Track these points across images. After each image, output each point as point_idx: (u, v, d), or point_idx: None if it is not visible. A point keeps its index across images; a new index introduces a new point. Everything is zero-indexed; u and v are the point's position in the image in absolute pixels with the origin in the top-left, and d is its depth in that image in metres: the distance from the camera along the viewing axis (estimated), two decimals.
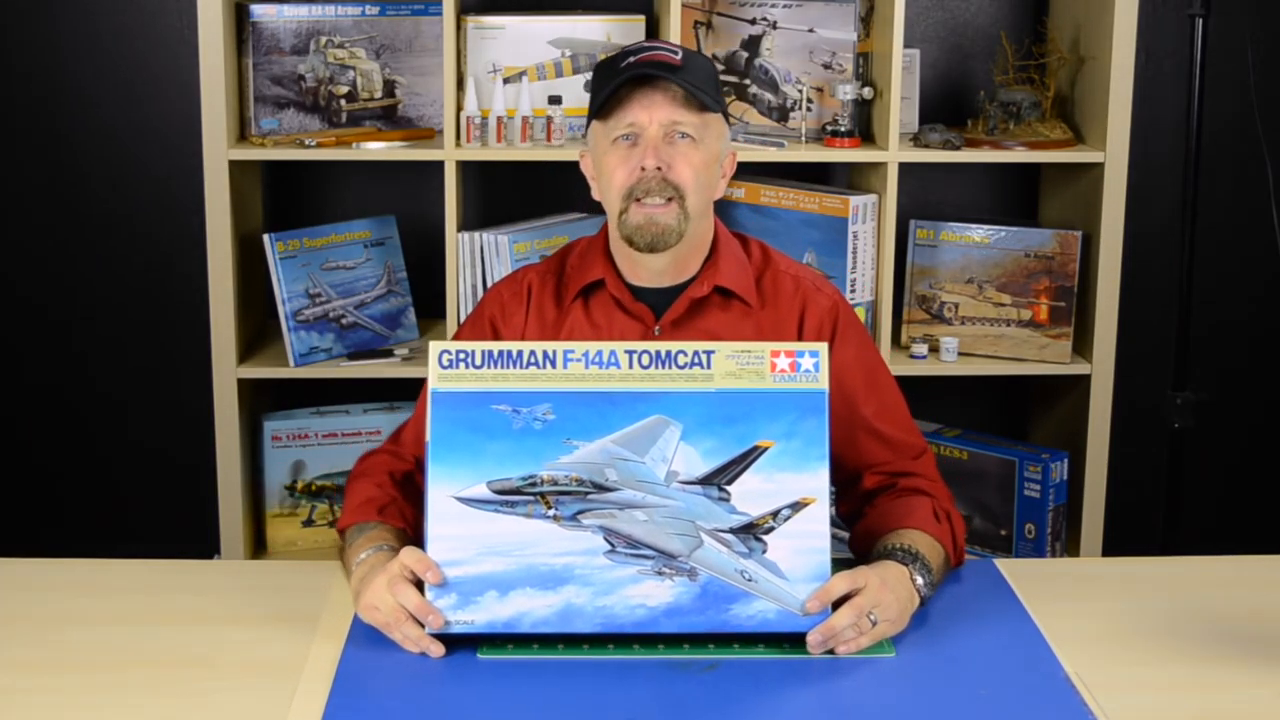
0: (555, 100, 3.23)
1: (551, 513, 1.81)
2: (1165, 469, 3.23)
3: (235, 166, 3.10)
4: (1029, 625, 1.99)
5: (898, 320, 3.31)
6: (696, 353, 1.89)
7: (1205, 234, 3.26)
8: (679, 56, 2.19)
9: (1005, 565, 2.18)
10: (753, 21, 3.29)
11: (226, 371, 3.14)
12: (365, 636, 1.92)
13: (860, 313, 3.19)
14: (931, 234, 3.30)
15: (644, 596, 1.82)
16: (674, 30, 3.08)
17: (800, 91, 3.27)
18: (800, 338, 2.24)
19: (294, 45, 3.20)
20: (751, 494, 1.85)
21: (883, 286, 3.20)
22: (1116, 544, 3.36)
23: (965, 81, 3.50)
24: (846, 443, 2.21)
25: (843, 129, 3.19)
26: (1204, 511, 3.66)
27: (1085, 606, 2.07)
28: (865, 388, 2.25)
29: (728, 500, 1.85)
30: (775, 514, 1.86)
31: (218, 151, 3.07)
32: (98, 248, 3.50)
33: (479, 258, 3.15)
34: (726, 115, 2.27)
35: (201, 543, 3.36)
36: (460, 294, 3.15)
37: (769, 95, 3.31)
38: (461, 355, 1.83)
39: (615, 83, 2.16)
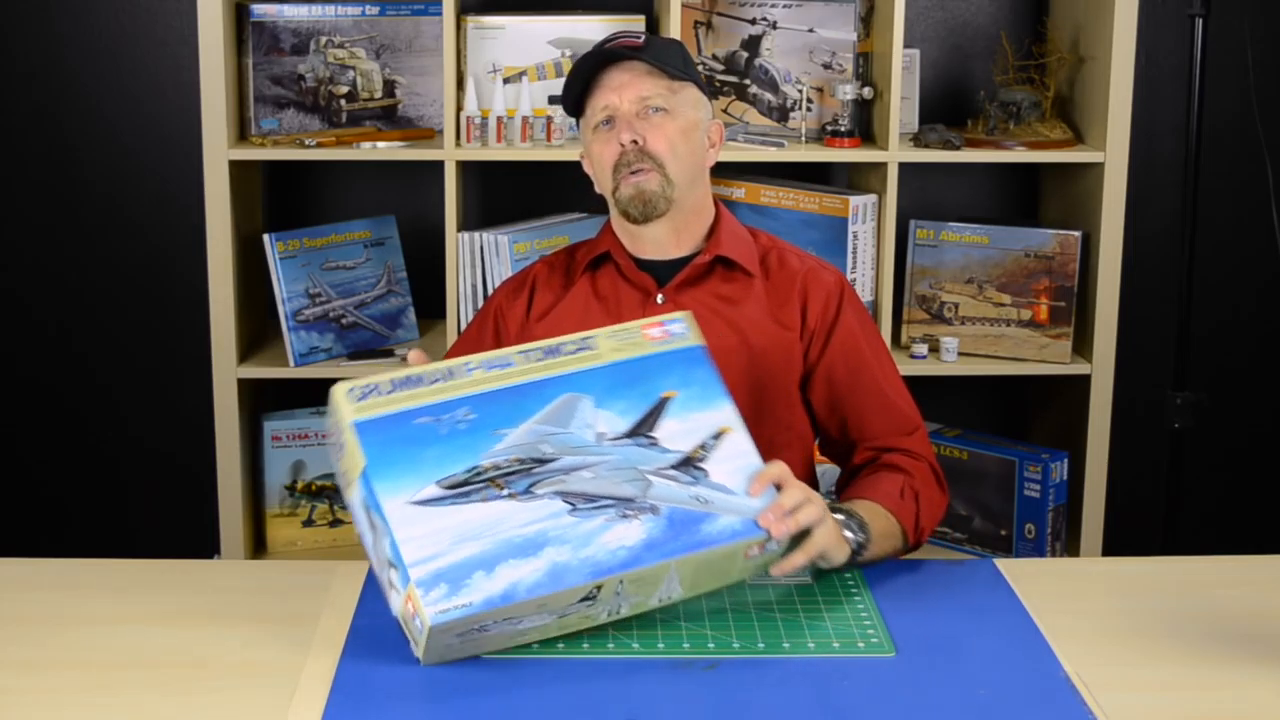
0: (555, 100, 3.23)
1: (505, 493, 1.86)
2: (1165, 469, 3.24)
3: (235, 166, 3.10)
4: (1029, 625, 1.99)
5: (898, 320, 3.31)
6: (579, 340, 1.99)
7: (1205, 234, 3.27)
8: (641, 40, 2.31)
9: (1005, 565, 2.18)
10: (753, 21, 3.29)
11: (226, 371, 3.14)
12: (365, 637, 1.92)
13: None
14: (931, 234, 3.31)
15: (619, 539, 1.85)
16: (674, 31, 3.08)
17: (800, 91, 3.27)
18: (804, 312, 2.33)
19: (294, 45, 3.21)
20: (674, 435, 1.95)
21: (883, 286, 3.20)
22: (1116, 544, 3.36)
23: (965, 81, 3.50)
24: (847, 406, 2.32)
25: (843, 129, 3.20)
26: (1204, 511, 3.66)
27: (1085, 606, 2.07)
28: (870, 353, 2.35)
29: (657, 444, 1.94)
30: (702, 445, 1.95)
31: (218, 151, 3.07)
32: (98, 248, 3.50)
33: (479, 258, 3.16)
34: (702, 86, 2.36)
35: (201, 543, 3.36)
36: (460, 294, 3.16)
37: (769, 95, 3.31)
38: (369, 388, 1.89)
39: (581, 72, 2.30)
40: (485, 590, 1.79)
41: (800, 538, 1.97)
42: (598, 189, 2.37)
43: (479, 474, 1.85)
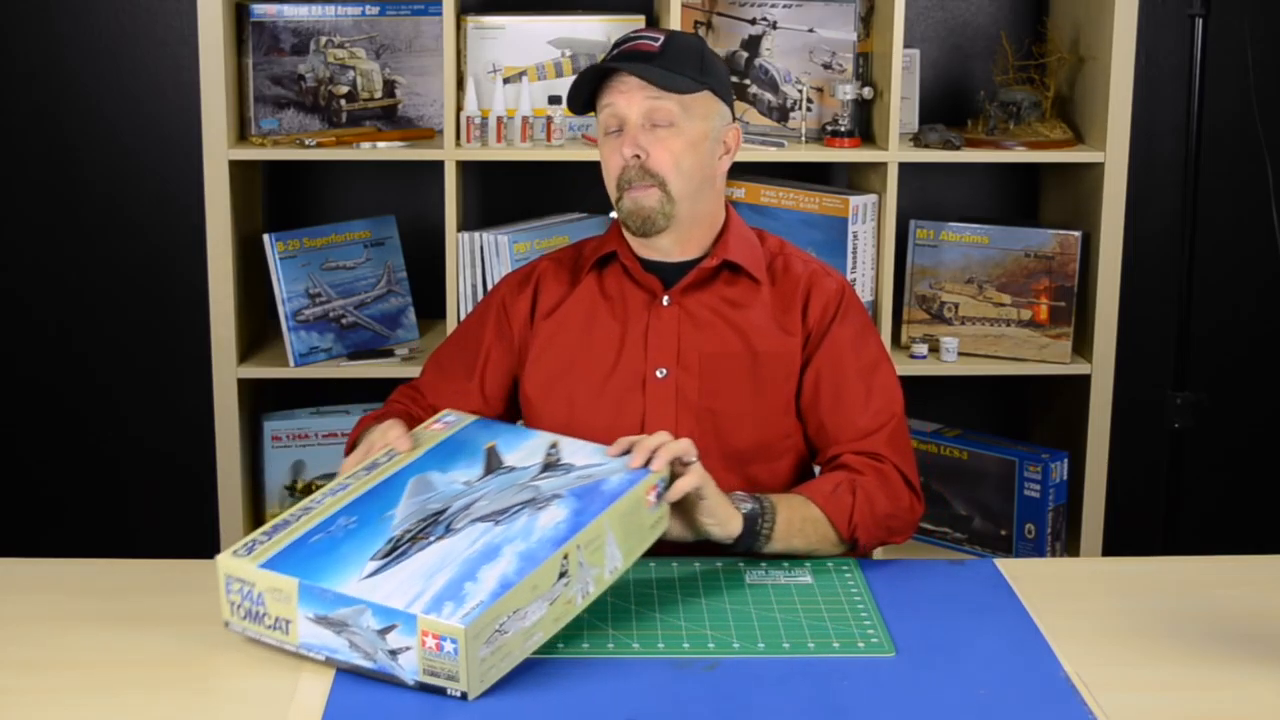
0: (555, 100, 3.24)
1: (433, 539, 1.90)
2: (1165, 469, 3.24)
3: (235, 166, 3.10)
4: (1029, 625, 1.99)
5: (898, 320, 3.31)
6: (387, 452, 2.10)
7: (1205, 234, 3.27)
8: (658, 43, 2.27)
9: (1005, 565, 2.18)
10: (753, 21, 3.29)
11: (226, 371, 3.14)
12: None
13: None
14: (931, 234, 3.31)
15: (553, 520, 1.92)
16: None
17: (800, 91, 3.27)
18: (804, 316, 2.34)
19: (294, 45, 3.20)
20: (522, 459, 2.07)
21: (883, 286, 3.20)
22: (1116, 544, 3.36)
23: (965, 81, 3.50)
24: (824, 412, 2.31)
25: (843, 129, 3.20)
26: (1204, 511, 3.66)
27: (1085, 606, 2.07)
28: (854, 366, 2.33)
29: (515, 469, 2.05)
30: (549, 454, 2.07)
31: (218, 151, 3.07)
32: (98, 248, 3.50)
33: (479, 258, 3.16)
34: (720, 90, 2.33)
35: (201, 543, 3.36)
36: (460, 294, 3.16)
37: (769, 95, 3.31)
38: (249, 544, 1.92)
39: (590, 75, 2.29)
40: (484, 590, 1.80)
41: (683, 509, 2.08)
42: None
43: (398, 541, 1.90)
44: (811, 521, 2.18)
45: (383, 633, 1.79)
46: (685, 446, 2.05)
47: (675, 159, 2.25)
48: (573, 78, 3.22)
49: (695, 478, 2.05)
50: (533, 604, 1.83)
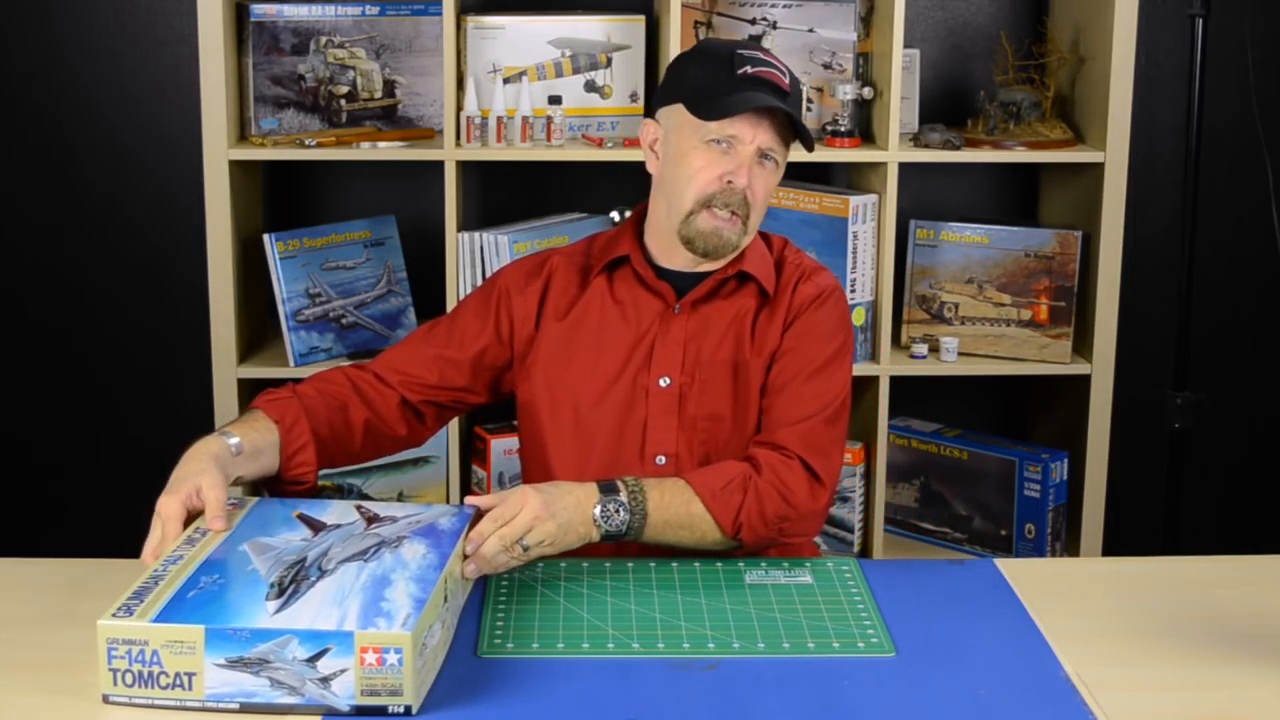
0: (555, 100, 3.23)
1: (315, 580, 1.87)
2: (1165, 469, 3.24)
3: (235, 166, 3.10)
4: (1029, 625, 1.99)
5: (898, 320, 3.31)
6: (198, 531, 2.03)
7: (1205, 234, 3.27)
8: (788, 80, 2.29)
9: (1005, 565, 2.18)
10: (753, 21, 3.29)
11: (226, 371, 3.14)
12: None
13: (860, 313, 3.19)
14: (931, 234, 3.31)
15: (417, 554, 1.93)
16: (674, 30, 3.08)
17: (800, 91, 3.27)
18: (788, 310, 2.33)
19: (294, 45, 3.21)
20: (337, 517, 2.06)
21: (883, 286, 3.20)
22: (1116, 544, 3.36)
23: (965, 81, 3.50)
24: (771, 396, 2.29)
25: (843, 129, 3.20)
26: (1204, 511, 3.66)
27: (1085, 606, 2.07)
28: (806, 363, 2.30)
29: (340, 526, 2.02)
30: (361, 512, 2.07)
31: (218, 151, 3.07)
32: (98, 248, 3.50)
33: (479, 258, 3.16)
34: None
35: None
36: (460, 294, 3.15)
37: None
38: (126, 606, 1.81)
39: (734, 96, 2.23)
40: (403, 606, 1.79)
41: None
42: (650, 169, 2.35)
43: (283, 584, 1.85)
44: (690, 521, 2.16)
45: (312, 660, 1.73)
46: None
47: (766, 193, 2.29)
48: (573, 78, 3.25)
49: (480, 565, 2.03)
50: (435, 624, 1.83)
